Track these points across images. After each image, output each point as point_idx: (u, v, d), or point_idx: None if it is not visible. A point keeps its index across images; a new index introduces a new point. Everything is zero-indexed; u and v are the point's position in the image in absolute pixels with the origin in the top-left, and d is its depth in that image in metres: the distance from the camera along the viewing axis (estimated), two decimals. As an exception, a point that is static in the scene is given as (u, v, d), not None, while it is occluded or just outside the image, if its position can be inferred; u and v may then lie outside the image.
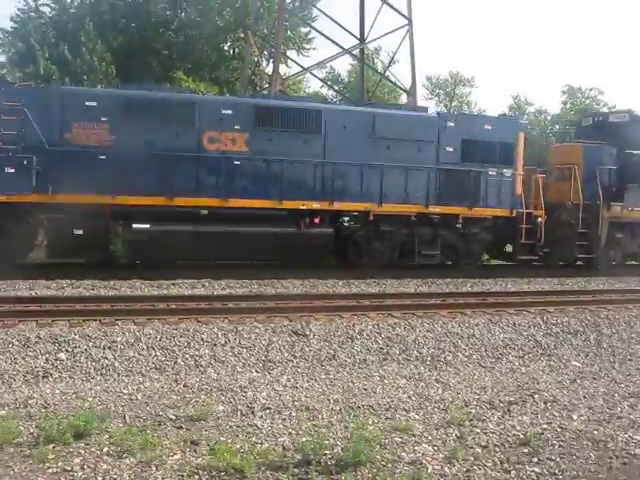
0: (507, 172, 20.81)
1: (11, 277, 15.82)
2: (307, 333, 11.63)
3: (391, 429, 7.66)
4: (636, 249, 23.39)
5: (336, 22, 30.48)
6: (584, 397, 9.42)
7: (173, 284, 16.28)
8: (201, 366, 10.20)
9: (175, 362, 10.22)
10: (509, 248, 22.03)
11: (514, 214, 20.89)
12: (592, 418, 8.42)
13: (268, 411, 8.17)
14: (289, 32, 36.88)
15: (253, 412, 8.13)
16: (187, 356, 10.43)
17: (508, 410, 8.61)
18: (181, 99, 18.58)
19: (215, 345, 10.88)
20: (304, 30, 38.33)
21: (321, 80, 40.33)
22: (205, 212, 17.93)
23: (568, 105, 52.05)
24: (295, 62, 34.31)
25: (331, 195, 19.06)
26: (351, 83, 45.78)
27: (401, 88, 32.89)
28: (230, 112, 18.32)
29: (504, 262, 22.50)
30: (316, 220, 19.04)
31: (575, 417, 8.42)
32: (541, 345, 12.58)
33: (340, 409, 8.35)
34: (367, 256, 19.79)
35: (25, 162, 16.36)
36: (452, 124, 20.47)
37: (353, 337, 11.74)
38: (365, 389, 9.42)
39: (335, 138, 19.07)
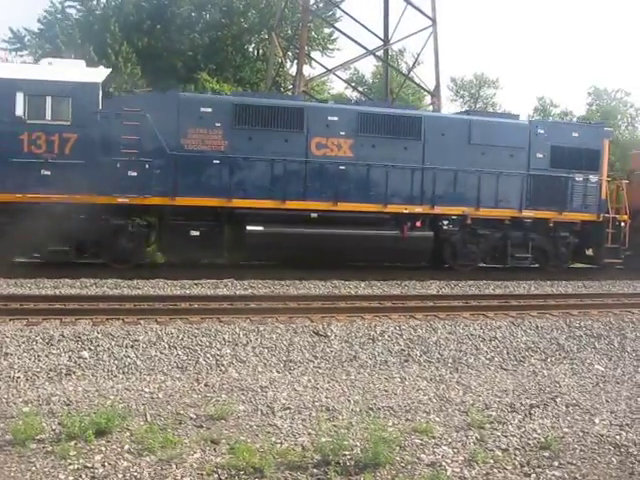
0: (593, 178, 21.35)
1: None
2: (328, 334, 11.64)
3: (411, 431, 7.65)
4: None
5: (360, 23, 30.56)
6: (607, 401, 9.34)
7: (196, 284, 16.35)
8: (222, 365, 10.24)
9: (197, 361, 10.26)
10: (590, 252, 22.40)
11: (600, 218, 21.32)
12: (614, 422, 8.35)
13: (288, 411, 8.19)
14: (313, 33, 36.91)
15: (273, 412, 8.15)
16: (209, 355, 10.47)
17: (529, 413, 8.55)
18: (291, 106, 19.00)
19: (237, 345, 10.92)
20: (328, 31, 38.35)
21: (345, 81, 40.27)
22: (315, 215, 18.49)
23: (594, 107, 51.65)
24: (319, 63, 34.34)
25: (431, 199, 19.57)
26: (375, 84, 45.75)
27: (425, 89, 32.82)
28: (336, 119, 18.91)
29: (588, 265, 22.71)
30: (418, 224, 19.59)
31: (597, 421, 8.36)
32: (564, 348, 12.48)
33: (360, 410, 8.35)
34: (462, 258, 20.33)
35: (147, 166, 17.10)
36: (542, 131, 20.99)
37: (374, 338, 11.72)
38: (386, 390, 9.41)
39: (434, 144, 19.59)
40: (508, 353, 11.92)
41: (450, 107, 49.09)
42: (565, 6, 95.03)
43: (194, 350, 10.57)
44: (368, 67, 52.93)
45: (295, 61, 33.59)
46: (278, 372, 10.18)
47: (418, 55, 34.08)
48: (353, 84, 43.69)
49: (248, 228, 17.82)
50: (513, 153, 20.51)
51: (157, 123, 17.05)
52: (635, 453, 7.34)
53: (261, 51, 37.41)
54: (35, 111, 16.37)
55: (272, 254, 18.82)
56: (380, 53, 32.73)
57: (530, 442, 7.52)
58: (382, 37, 31.62)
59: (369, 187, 19.08)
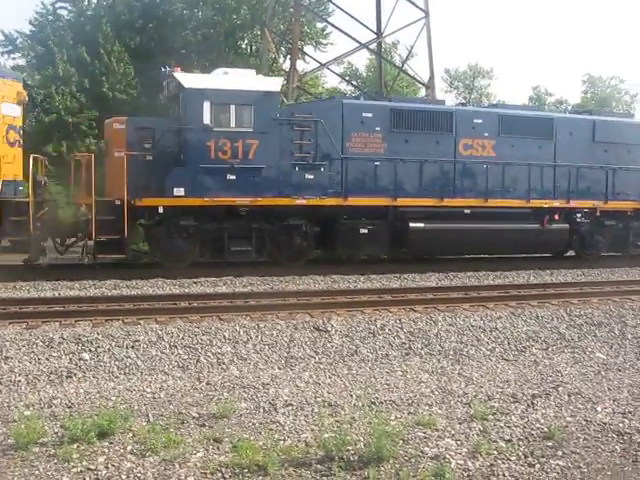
0: None
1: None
2: (329, 329, 11.63)
3: (414, 424, 7.65)
4: None
5: (352, 17, 30.43)
6: (609, 389, 9.36)
7: (195, 282, 16.32)
8: (223, 364, 10.23)
9: (197, 360, 10.25)
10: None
11: None
12: (617, 410, 8.37)
13: (290, 408, 8.19)
14: (306, 28, 36.80)
15: (275, 409, 8.15)
16: (209, 354, 10.46)
17: (532, 403, 8.57)
18: (441, 110, 20.47)
19: (237, 342, 10.91)
20: (320, 25, 38.25)
21: (339, 75, 40.17)
22: (468, 211, 20.00)
23: (589, 94, 51.62)
24: (312, 58, 34.25)
25: (566, 194, 21.20)
26: (369, 77, 45.65)
27: (419, 81, 32.75)
28: (480, 121, 20.36)
29: None
30: (556, 217, 21.17)
31: (600, 409, 8.38)
32: (565, 337, 12.48)
33: (362, 404, 8.35)
34: (591, 247, 21.94)
35: (322, 169, 18.40)
36: None
37: (375, 332, 11.72)
38: (387, 384, 9.41)
39: (564, 143, 21.28)
40: (509, 343, 11.92)
41: (445, 98, 49.06)
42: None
43: (195, 349, 10.55)
44: (362, 60, 53.11)
45: (288, 56, 33.48)
46: (279, 369, 10.18)
47: (411, 47, 33.93)
48: (347, 78, 43.62)
49: (411, 225, 19.07)
50: (630, 149, 22.33)
51: (326, 128, 18.33)
52: (639, 440, 7.34)
53: (254, 47, 37.28)
54: (220, 119, 17.36)
55: (432, 249, 20.33)
56: (373, 46, 32.64)
57: (533, 432, 7.53)
58: (375, 30, 31.52)
59: (512, 184, 20.58)
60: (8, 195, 16.16)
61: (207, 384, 9.24)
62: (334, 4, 33.60)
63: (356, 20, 30.45)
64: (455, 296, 14.93)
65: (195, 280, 16.47)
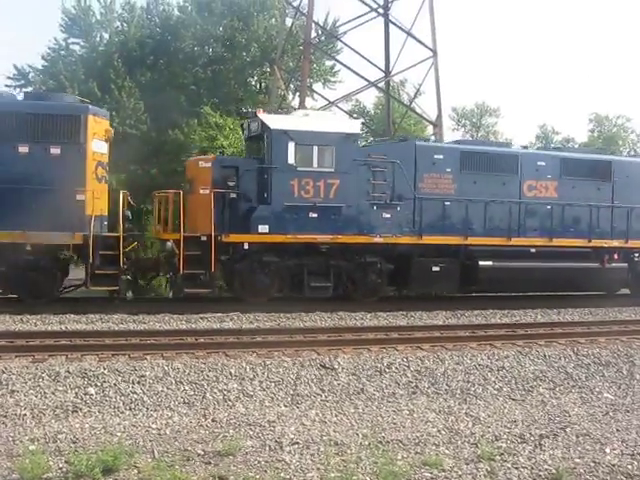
0: None
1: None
2: (335, 367, 11.59)
3: (421, 464, 7.60)
4: None
5: (361, 55, 30.76)
6: (617, 430, 9.29)
7: (201, 318, 16.29)
8: (229, 400, 10.19)
9: (204, 396, 10.22)
10: None
11: None
12: (626, 452, 8.30)
13: (296, 446, 8.14)
14: (314, 65, 37.15)
15: (281, 447, 8.11)
16: (215, 390, 10.43)
17: (539, 444, 8.50)
18: (507, 153, 21.41)
19: (243, 379, 10.87)
20: (329, 63, 38.60)
21: (347, 113, 40.33)
22: (533, 250, 20.57)
23: (595, 133, 51.83)
24: (320, 95, 34.53)
25: (625, 234, 21.83)
26: (377, 115, 45.91)
27: (427, 120, 32.97)
28: (544, 164, 21.15)
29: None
30: (615, 256, 21.82)
31: (608, 451, 8.31)
32: (572, 377, 12.42)
33: (369, 444, 8.30)
34: None
35: (398, 208, 19.02)
36: None
37: (382, 370, 11.67)
38: (394, 423, 9.36)
39: (621, 185, 21.99)
40: (516, 383, 11.86)
41: (452, 136, 49.17)
42: (564, 33, 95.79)
43: (201, 385, 10.53)
44: (370, 98, 53.31)
45: (297, 93, 33.76)
46: (286, 406, 10.14)
47: (419, 86, 34.23)
48: (355, 115, 43.88)
49: (481, 263, 19.70)
50: None
51: (400, 169, 18.98)
52: (647, 483, 7.28)
53: (263, 84, 37.64)
54: (304, 159, 18.01)
55: (500, 287, 20.89)
56: (382, 84, 32.93)
57: (541, 473, 7.48)
58: (383, 68, 31.83)
59: (574, 224, 21.34)
60: (96, 230, 16.68)
61: (213, 421, 9.21)
62: (343, 42, 34.08)
63: (364, 58, 30.80)
64: (462, 334, 14.89)
65: (202, 315, 16.45)
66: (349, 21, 31.41)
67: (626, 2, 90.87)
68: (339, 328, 15.48)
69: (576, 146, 44.28)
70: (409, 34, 30.53)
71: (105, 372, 10.61)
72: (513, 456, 8.00)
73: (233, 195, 17.65)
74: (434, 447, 8.29)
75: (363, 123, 41.71)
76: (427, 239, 19.30)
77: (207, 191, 17.40)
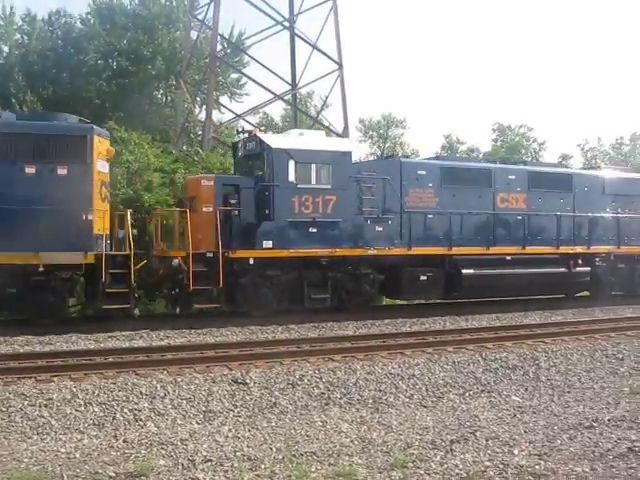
0: None
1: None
2: (247, 381, 11.54)
3: (334, 475, 7.61)
4: None
5: (267, 68, 30.87)
6: (525, 432, 9.48)
7: (110, 337, 15.98)
8: (140, 420, 10.02)
9: (114, 417, 10.02)
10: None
11: None
12: (533, 452, 8.47)
13: (210, 463, 8.04)
14: (221, 78, 37.01)
15: (194, 465, 7.99)
16: (126, 410, 10.23)
17: (450, 449, 8.61)
18: (483, 168, 23.23)
19: (154, 398, 10.71)
20: (236, 76, 38.53)
21: (254, 126, 40.33)
22: (509, 258, 22.15)
23: (499, 142, 53.16)
24: (227, 108, 34.45)
25: (587, 241, 23.96)
26: (285, 127, 46.04)
27: (334, 132, 33.23)
28: (514, 177, 22.96)
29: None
30: (580, 261, 23.68)
31: (516, 452, 8.46)
32: (481, 382, 12.69)
33: (282, 457, 8.26)
34: (605, 288, 24.24)
35: (389, 222, 20.22)
36: None
37: (294, 383, 11.68)
38: (307, 435, 9.35)
39: (581, 196, 24.12)
40: (427, 390, 12.04)
41: (360, 148, 49.55)
42: (467, 46, 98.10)
43: (111, 406, 10.31)
44: (278, 110, 53.32)
45: (204, 107, 33.58)
46: (198, 423, 10.03)
47: (326, 98, 34.58)
48: (263, 128, 43.89)
49: (463, 271, 21.11)
50: (635, 200, 25.52)
51: (388, 185, 20.26)
52: (554, 483, 7.46)
53: (169, 97, 37.30)
54: (303, 176, 18.87)
55: (481, 293, 22.35)
56: (288, 97, 33.06)
57: (453, 478, 7.56)
58: (290, 81, 31.97)
59: (542, 233, 23.19)
60: (100, 249, 16.97)
61: (124, 442, 9.01)
62: (249, 55, 34.07)
63: (270, 71, 30.88)
64: (373, 344, 15.03)
65: (110, 334, 16.13)
66: (255, 34, 31.50)
67: (523, 12, 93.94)
68: (250, 342, 15.42)
69: (480, 155, 45.50)
70: (315, 47, 30.77)
71: (10, 396, 10.30)
72: (425, 462, 8.07)
73: (236, 212, 18.39)
74: (347, 457, 8.31)
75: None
76: (416, 250, 20.53)
77: (210, 209, 18.19)
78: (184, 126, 33.56)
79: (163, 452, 8.50)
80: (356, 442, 8.97)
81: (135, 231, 17.99)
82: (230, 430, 9.59)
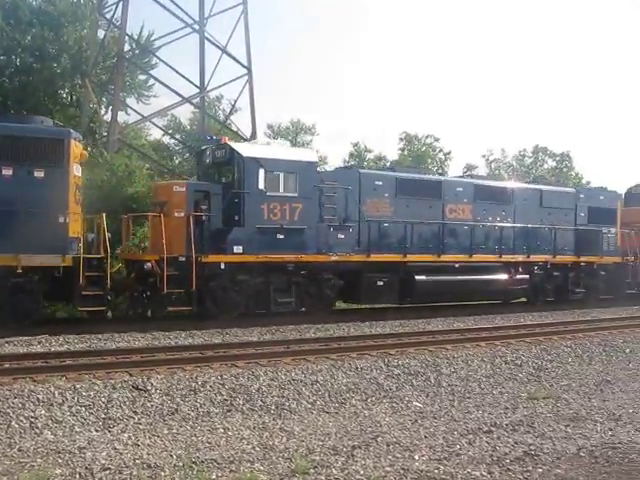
0: (612, 230, 28.91)
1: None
2: (148, 388, 11.35)
3: (235, 482, 7.56)
4: None
5: (176, 70, 30.56)
6: (425, 437, 9.62)
7: (7, 342, 15.47)
8: (37, 428, 9.73)
9: (9, 425, 9.69)
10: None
11: (623, 260, 28.79)
12: (433, 457, 8.60)
13: (108, 472, 7.87)
14: (128, 79, 36.37)
15: (92, 474, 7.81)
16: (22, 418, 9.92)
17: (352, 455, 8.66)
18: (433, 180, 24.78)
19: (52, 405, 10.42)
20: (143, 77, 37.93)
21: (161, 129, 39.94)
22: (457, 265, 23.61)
23: (406, 152, 53.98)
24: (134, 110, 33.90)
25: (527, 250, 25.72)
26: (193, 131, 45.62)
27: (242, 136, 33.12)
28: (461, 189, 24.46)
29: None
30: (520, 269, 25.46)
31: (417, 457, 8.58)
32: (383, 387, 12.84)
33: (183, 465, 8.15)
34: (542, 294, 26.52)
35: (350, 230, 21.26)
36: (582, 196, 28.48)
37: (196, 389, 11.56)
38: (209, 442, 9.27)
39: (520, 208, 25.93)
40: (330, 396, 12.11)
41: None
42: (380, 51, 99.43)
43: (6, 413, 9.97)
44: (186, 114, 52.78)
45: (110, 107, 32.93)
46: (97, 431, 9.81)
47: (234, 103, 34.47)
48: (170, 131, 43.41)
49: (416, 278, 22.30)
50: (566, 213, 27.49)
51: (349, 194, 21.42)
52: (452, 486, 7.61)
53: (74, 97, 36.42)
54: (272, 185, 19.63)
55: (432, 298, 23.35)
56: (197, 100, 32.77)
57: (353, 485, 7.61)
58: (198, 84, 31.69)
59: (487, 242, 24.75)
60: (72, 252, 17.31)
61: (19, 450, 8.75)
62: (157, 57, 33.63)
63: (179, 74, 30.56)
64: (277, 350, 15.01)
65: (7, 340, 15.61)
66: (164, 35, 31.13)
67: (421, 20, 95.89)
68: (152, 348, 15.14)
69: (387, 164, 46.14)
70: (224, 51, 30.64)
71: None
72: (326, 468, 8.10)
73: (207, 218, 19.00)
74: (249, 464, 8.27)
75: (177, 140, 41.42)
76: (374, 257, 21.59)
77: (182, 214, 18.70)
78: (89, 126, 32.82)
79: (60, 461, 8.29)
80: (258, 448, 8.94)
81: (109, 235, 18.08)
82: (130, 437, 9.42)
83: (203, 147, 22.15)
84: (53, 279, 17.37)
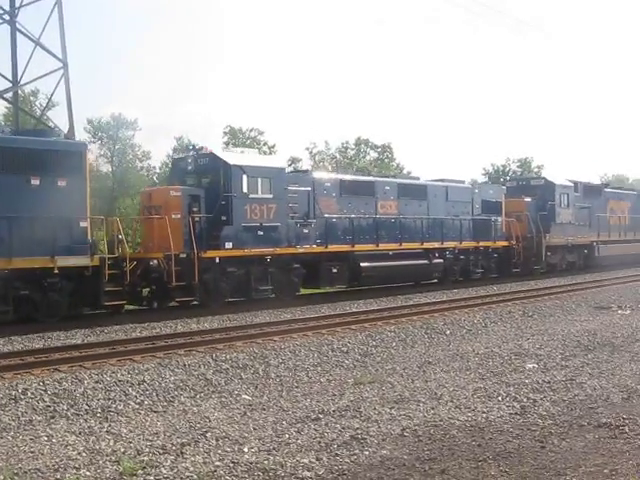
0: (499, 219, 33.96)
1: None
2: (-36, 399, 10.80)
3: (59, 490, 7.33)
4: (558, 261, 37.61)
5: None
6: (254, 429, 9.66)
7: None
8: None
9: None
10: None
11: (510, 244, 34.04)
12: (262, 448, 8.65)
13: None
14: None
15: None
16: None
17: (181, 452, 8.59)
18: (366, 180, 29.17)
19: None
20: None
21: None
22: (391, 253, 28.02)
23: (230, 145, 54.15)
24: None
25: (441, 238, 30.52)
26: (8, 127, 43.52)
27: (59, 133, 31.88)
28: (389, 188, 29.11)
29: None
30: (437, 254, 30.17)
31: (246, 450, 8.60)
32: (212, 383, 12.82)
33: (4, 477, 7.81)
34: (452, 275, 31.35)
35: (312, 225, 25.03)
36: (477, 190, 33.87)
37: (17, 397, 11.10)
38: (32, 452, 8.89)
39: (432, 202, 30.74)
40: (157, 395, 11.95)
41: (92, 148, 48.23)
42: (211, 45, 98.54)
43: None
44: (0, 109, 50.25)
45: None
46: None
47: (50, 97, 33.23)
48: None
49: (362, 264, 26.54)
50: (465, 205, 32.40)
51: (306, 196, 25.02)
52: (282, 475, 7.67)
53: None
54: (252, 188, 22.88)
55: (374, 281, 27.51)
56: (9, 95, 31.22)
57: (184, 482, 7.56)
58: (11, 78, 30.13)
59: (411, 232, 29.38)
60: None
61: None
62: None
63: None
64: (102, 352, 14.71)
65: None
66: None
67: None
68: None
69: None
70: (37, 43, 29.28)
71: None
72: (155, 468, 7.99)
73: (202, 219, 22.08)
74: (75, 471, 8.01)
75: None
76: (331, 248, 25.63)
77: (179, 216, 21.59)
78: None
79: None
80: (84, 454, 8.69)
81: (121, 236, 20.41)
82: (-56, 454, 8.90)
83: (181, 155, 26.08)
84: (79, 279, 19.32)
